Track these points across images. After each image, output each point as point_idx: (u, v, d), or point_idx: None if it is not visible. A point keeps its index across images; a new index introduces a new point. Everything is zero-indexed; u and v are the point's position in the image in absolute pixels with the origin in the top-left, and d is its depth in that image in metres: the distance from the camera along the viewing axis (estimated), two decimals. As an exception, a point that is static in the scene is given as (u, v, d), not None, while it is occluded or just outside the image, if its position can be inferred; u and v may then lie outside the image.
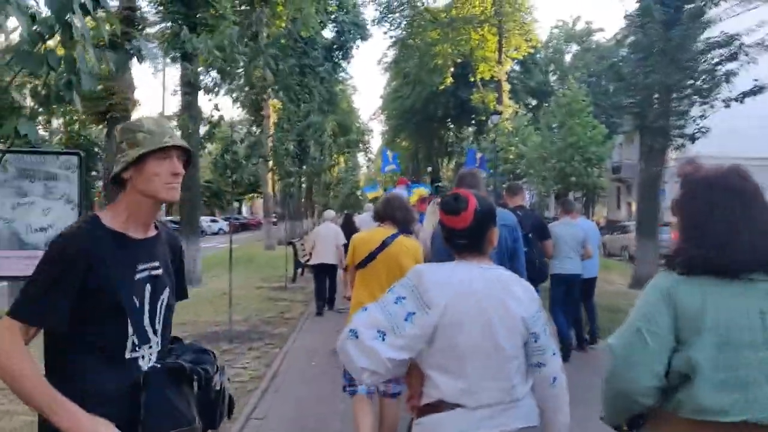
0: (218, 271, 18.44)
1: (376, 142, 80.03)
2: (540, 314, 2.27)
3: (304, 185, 34.54)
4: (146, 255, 2.05)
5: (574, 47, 52.99)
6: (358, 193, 49.30)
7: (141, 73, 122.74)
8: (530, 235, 6.31)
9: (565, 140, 23.88)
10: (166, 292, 2.10)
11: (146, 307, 2.01)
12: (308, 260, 16.08)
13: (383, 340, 2.14)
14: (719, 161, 2.23)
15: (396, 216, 4.72)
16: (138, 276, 2.00)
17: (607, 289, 15.02)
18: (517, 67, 46.31)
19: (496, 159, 28.98)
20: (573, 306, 8.43)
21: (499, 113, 27.64)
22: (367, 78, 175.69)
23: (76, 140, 48.16)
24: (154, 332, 2.03)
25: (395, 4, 38.78)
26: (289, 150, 17.39)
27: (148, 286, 2.03)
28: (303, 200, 38.65)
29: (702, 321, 1.78)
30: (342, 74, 46.15)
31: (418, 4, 37.71)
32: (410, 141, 59.80)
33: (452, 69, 38.08)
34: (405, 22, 39.00)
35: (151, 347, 2.01)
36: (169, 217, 51.14)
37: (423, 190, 30.36)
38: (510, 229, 4.39)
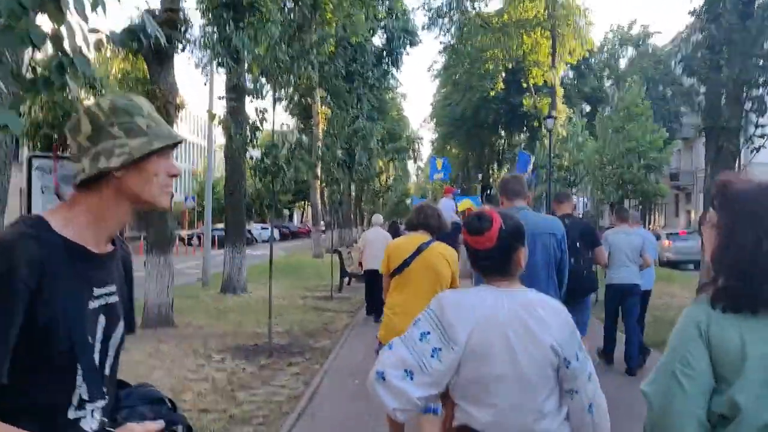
0: (265, 279, 18.13)
1: (426, 150, 79.43)
2: (572, 339, 2.15)
3: (353, 193, 34.19)
4: (103, 276, 1.51)
5: (630, 51, 51.54)
6: (408, 201, 48.80)
7: (190, 78, 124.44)
8: (578, 244, 6.12)
9: (623, 145, 22.87)
10: (120, 327, 1.56)
11: (97, 347, 1.46)
12: (354, 270, 15.72)
13: (411, 379, 2.09)
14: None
15: (430, 223, 4.67)
16: (92, 304, 1.46)
17: (669, 302, 14.15)
18: (570, 73, 45.24)
19: (550, 165, 28.08)
20: (632, 318, 7.86)
21: (554, 117, 26.61)
22: (416, 85, 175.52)
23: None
24: (103, 379, 1.48)
25: (445, 9, 38.20)
26: (337, 156, 17.03)
27: (102, 319, 1.49)
28: (352, 208, 38.33)
29: (743, 360, 1.61)
30: (392, 81, 45.92)
31: (469, 8, 37.03)
32: (460, 148, 59.00)
33: (504, 74, 37.20)
34: (455, 27, 38.35)
35: (97, 401, 1.47)
36: (220, 225, 51.64)
37: (469, 203, 29.73)
38: (558, 239, 4.39)
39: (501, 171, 56.07)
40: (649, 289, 8.55)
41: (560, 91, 34.67)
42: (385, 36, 42.47)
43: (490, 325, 2.10)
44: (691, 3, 13.42)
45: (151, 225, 10.06)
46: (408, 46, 42.77)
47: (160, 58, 10.14)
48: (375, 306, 11.43)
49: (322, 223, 31.09)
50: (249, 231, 52.48)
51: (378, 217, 12.83)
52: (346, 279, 16.62)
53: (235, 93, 15.15)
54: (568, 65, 37.65)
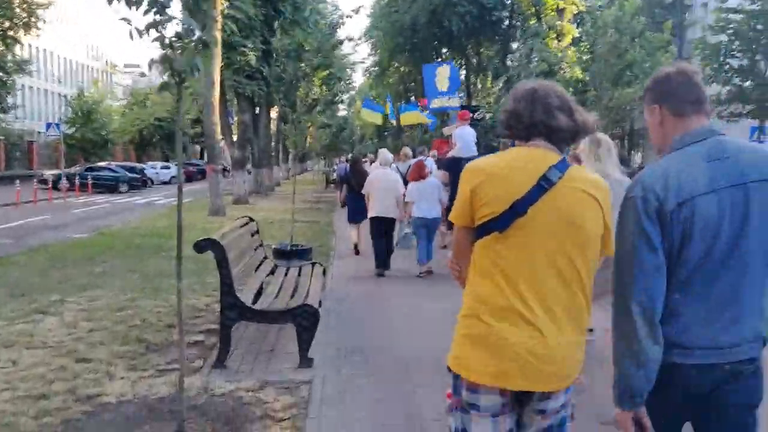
0: (76, 280, 8.10)
1: (358, 78, 67.14)
2: None
3: (272, 111, 23.79)
4: None
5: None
6: (345, 132, 38.42)
7: None
8: None
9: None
10: None
11: None
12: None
13: None
14: None
15: (560, 126, 2.05)
16: None
17: None
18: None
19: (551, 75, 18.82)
20: None
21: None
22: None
23: None
24: None
25: None
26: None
27: None
28: (272, 139, 28.15)
29: None
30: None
31: None
32: (410, 68, 47.30)
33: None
34: None
35: None
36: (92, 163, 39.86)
37: (418, 116, 21.02)
38: None
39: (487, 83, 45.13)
40: None
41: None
42: None
43: None
44: None
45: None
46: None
47: None
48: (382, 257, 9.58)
49: (223, 160, 20.45)
50: (142, 170, 41.19)
51: (385, 155, 10.16)
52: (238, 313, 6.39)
53: None
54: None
